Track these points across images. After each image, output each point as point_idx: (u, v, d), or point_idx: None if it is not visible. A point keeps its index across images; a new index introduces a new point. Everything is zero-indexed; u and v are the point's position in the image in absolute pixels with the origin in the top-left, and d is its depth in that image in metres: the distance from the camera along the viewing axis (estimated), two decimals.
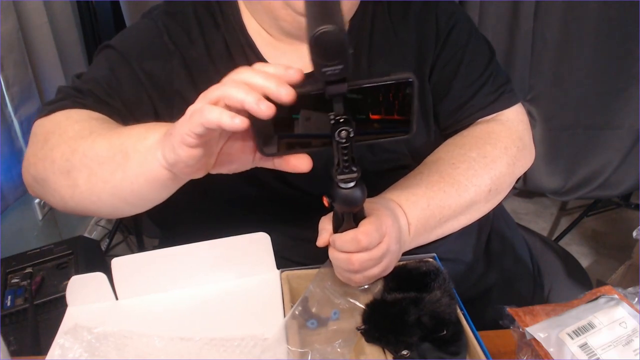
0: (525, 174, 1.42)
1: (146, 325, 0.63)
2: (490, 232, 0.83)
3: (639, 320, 0.53)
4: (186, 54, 0.74)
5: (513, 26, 1.70)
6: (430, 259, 0.67)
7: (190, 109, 0.50)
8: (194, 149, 0.50)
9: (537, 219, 2.11)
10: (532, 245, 0.94)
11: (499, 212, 0.84)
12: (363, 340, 0.59)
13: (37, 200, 1.63)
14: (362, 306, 0.61)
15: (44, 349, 0.71)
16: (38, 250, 1.17)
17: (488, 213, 0.75)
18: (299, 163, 0.53)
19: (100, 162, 0.59)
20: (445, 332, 0.55)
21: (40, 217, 1.65)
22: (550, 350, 0.52)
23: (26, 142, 1.49)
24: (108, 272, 0.66)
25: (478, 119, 0.78)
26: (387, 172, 0.75)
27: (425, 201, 0.66)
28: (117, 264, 0.66)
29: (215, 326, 0.63)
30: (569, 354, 0.51)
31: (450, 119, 0.79)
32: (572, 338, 0.52)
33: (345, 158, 0.50)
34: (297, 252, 0.73)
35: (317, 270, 0.65)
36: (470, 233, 0.78)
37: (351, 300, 0.62)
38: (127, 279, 0.67)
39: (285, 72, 0.48)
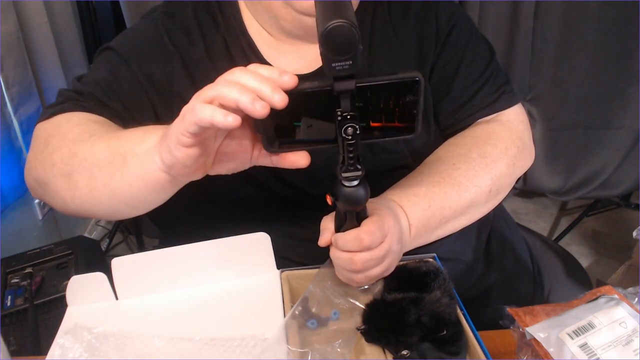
0: (525, 174, 1.42)
1: (146, 325, 0.63)
2: (490, 232, 0.83)
3: (639, 320, 0.53)
4: (186, 55, 0.74)
5: (513, 26, 1.70)
6: (430, 259, 0.67)
7: (184, 109, 0.50)
8: (190, 148, 0.50)
9: (537, 219, 2.11)
10: (532, 245, 0.94)
11: (499, 212, 0.84)
12: (363, 340, 0.59)
13: (37, 200, 1.63)
14: (362, 306, 0.61)
15: (44, 349, 0.71)
16: (38, 250, 1.17)
17: (488, 213, 0.75)
18: (298, 159, 0.53)
19: (100, 165, 0.60)
20: (445, 332, 0.55)
21: (40, 217, 1.64)
22: (550, 350, 0.52)
23: (26, 142, 1.49)
24: (108, 272, 0.66)
25: (478, 119, 0.78)
26: (387, 172, 0.75)
27: (426, 202, 0.67)
28: (117, 264, 0.66)
29: (215, 326, 0.63)
30: (569, 354, 0.51)
31: (450, 119, 0.79)
32: (572, 338, 0.52)
33: (351, 155, 0.50)
34: (297, 252, 0.73)
35: (317, 270, 0.65)
36: (470, 233, 0.78)
37: (351, 300, 0.62)
38: (127, 279, 0.67)
39: (279, 77, 0.47)
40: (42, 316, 1.01)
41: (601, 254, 1.91)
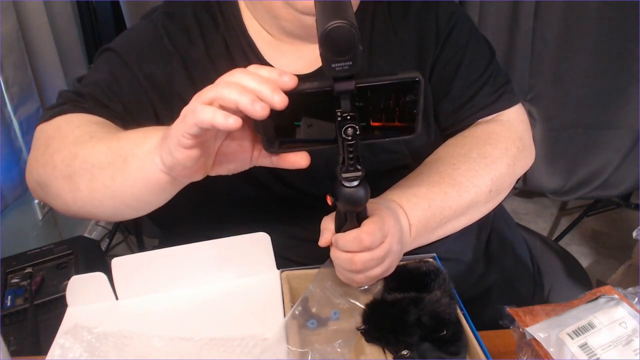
0: (525, 174, 1.42)
1: (146, 325, 0.63)
2: (491, 232, 0.83)
3: (639, 320, 0.53)
4: (186, 55, 0.74)
5: (513, 26, 1.70)
6: (430, 259, 0.67)
7: (185, 110, 0.50)
8: (190, 150, 0.50)
9: (537, 219, 2.11)
10: (532, 245, 0.94)
11: (499, 212, 0.84)
12: (363, 340, 0.59)
13: (37, 200, 1.63)
14: (362, 306, 0.61)
15: (44, 349, 0.71)
16: (38, 250, 1.17)
17: (488, 213, 0.75)
18: (298, 159, 0.53)
19: (101, 167, 0.60)
20: (445, 332, 0.55)
21: (40, 217, 1.64)
22: (550, 350, 0.52)
23: (25, 142, 1.49)
24: (108, 272, 0.66)
25: (478, 119, 0.78)
26: (387, 172, 0.75)
27: (426, 202, 0.67)
28: (117, 263, 0.66)
29: (215, 326, 0.63)
30: (569, 354, 0.51)
31: (450, 119, 0.79)
32: (572, 338, 0.52)
33: (351, 156, 0.50)
34: (297, 252, 0.73)
35: (317, 270, 0.65)
36: (471, 233, 0.78)
37: (351, 300, 0.62)
38: (127, 279, 0.67)
39: (279, 78, 0.47)
40: (42, 316, 1.00)
41: (601, 254, 1.91)
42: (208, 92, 0.48)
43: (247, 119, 0.49)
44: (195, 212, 0.78)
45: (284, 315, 0.62)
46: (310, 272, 0.66)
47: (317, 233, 0.61)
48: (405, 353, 0.55)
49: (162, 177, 0.56)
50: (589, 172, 1.86)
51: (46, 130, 0.69)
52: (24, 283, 1.06)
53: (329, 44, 0.43)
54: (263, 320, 0.62)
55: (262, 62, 0.74)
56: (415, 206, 0.66)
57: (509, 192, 0.77)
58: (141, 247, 1.81)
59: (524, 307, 0.57)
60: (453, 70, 0.77)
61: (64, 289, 0.66)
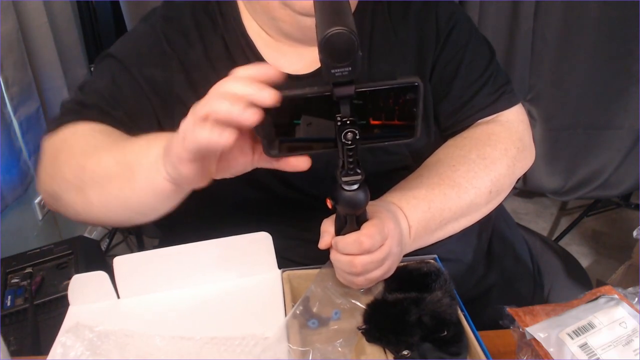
0: (525, 174, 1.42)
1: (147, 324, 0.63)
2: (492, 233, 0.83)
3: (639, 320, 0.53)
4: (184, 58, 0.74)
5: (513, 26, 1.70)
6: (432, 260, 0.67)
7: (183, 128, 0.50)
8: (193, 163, 0.51)
9: (537, 219, 2.11)
10: (532, 245, 0.94)
11: (499, 213, 0.84)
12: (364, 340, 0.59)
13: (36, 200, 1.63)
14: (363, 306, 0.61)
15: (44, 349, 0.71)
16: (38, 250, 1.17)
17: (489, 214, 0.75)
18: (299, 163, 0.53)
19: (109, 178, 0.61)
20: (446, 332, 0.56)
21: (40, 217, 1.65)
22: (550, 350, 0.52)
23: (25, 142, 1.50)
24: (108, 272, 0.66)
25: (478, 119, 0.78)
26: (388, 173, 0.75)
27: (425, 204, 0.67)
28: (119, 262, 0.66)
29: (216, 325, 0.63)
30: (569, 354, 0.51)
31: (450, 119, 0.79)
32: (572, 338, 0.52)
33: (351, 160, 0.50)
34: (298, 253, 0.73)
35: (318, 270, 0.65)
36: (472, 234, 0.78)
37: (352, 300, 0.62)
38: (129, 278, 0.67)
39: (263, 72, 0.48)
40: (42, 316, 1.01)
41: (601, 254, 1.91)
42: (202, 108, 0.49)
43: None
44: (196, 213, 0.78)
45: (285, 315, 0.62)
46: (312, 272, 0.66)
47: (317, 234, 0.61)
48: (406, 353, 0.55)
49: (168, 186, 0.57)
50: (589, 172, 1.86)
51: (53, 143, 0.70)
52: (24, 283, 1.06)
53: (329, 50, 0.43)
54: (264, 320, 0.62)
55: (261, 62, 0.74)
56: (415, 208, 0.66)
57: (509, 192, 0.77)
58: (141, 247, 1.81)
59: (524, 307, 0.57)
60: (453, 70, 0.77)
61: (64, 289, 0.66)
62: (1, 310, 1.00)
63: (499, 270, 0.82)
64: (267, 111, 0.48)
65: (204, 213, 0.78)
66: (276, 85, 0.49)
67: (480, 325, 0.59)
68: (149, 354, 0.59)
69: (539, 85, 1.78)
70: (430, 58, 0.77)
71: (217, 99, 0.47)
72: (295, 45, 0.75)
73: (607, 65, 1.68)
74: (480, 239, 0.80)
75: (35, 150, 1.56)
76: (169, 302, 0.67)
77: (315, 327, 0.60)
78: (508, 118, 0.78)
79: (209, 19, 0.76)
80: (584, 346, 0.51)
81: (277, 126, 0.50)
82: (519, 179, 0.79)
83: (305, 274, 0.67)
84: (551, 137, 1.84)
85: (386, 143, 0.52)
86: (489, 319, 0.59)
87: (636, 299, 0.56)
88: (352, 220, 0.57)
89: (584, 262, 1.87)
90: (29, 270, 1.10)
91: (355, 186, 0.53)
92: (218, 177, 0.57)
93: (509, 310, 0.57)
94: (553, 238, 1.97)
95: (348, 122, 0.48)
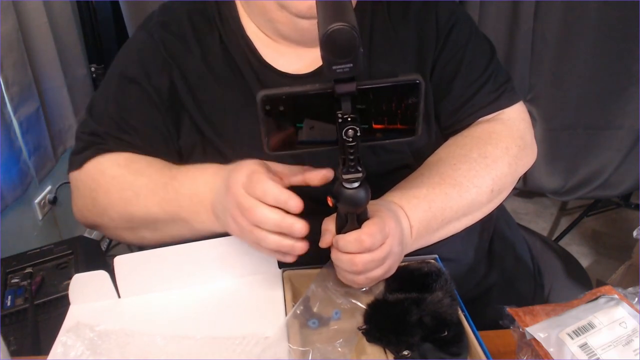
0: (525, 174, 1.42)
1: (148, 324, 0.63)
2: (493, 233, 0.83)
3: (639, 320, 0.53)
4: (183, 64, 0.75)
5: (513, 26, 1.70)
6: (432, 260, 0.67)
7: (241, 228, 0.58)
8: None
9: (537, 219, 2.11)
10: (532, 246, 0.94)
11: (500, 213, 0.84)
12: (364, 340, 0.59)
13: (36, 200, 1.63)
14: (364, 306, 0.61)
15: (44, 349, 0.71)
16: (38, 250, 1.16)
17: (491, 213, 0.75)
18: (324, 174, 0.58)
19: (163, 223, 0.69)
20: (446, 332, 0.55)
21: (40, 217, 1.65)
22: (550, 350, 0.52)
23: (25, 142, 1.50)
24: (108, 272, 0.67)
25: (479, 117, 0.78)
26: (389, 172, 0.75)
27: (426, 203, 0.67)
28: (120, 262, 0.66)
29: (216, 324, 0.63)
30: (569, 354, 0.51)
31: (451, 118, 0.79)
32: (572, 338, 0.52)
33: (352, 157, 0.50)
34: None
35: (319, 270, 0.65)
36: (473, 233, 0.78)
37: (353, 300, 0.62)
38: (130, 277, 0.67)
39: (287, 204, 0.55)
40: (42, 316, 1.00)
41: (601, 254, 1.91)
42: (249, 236, 0.58)
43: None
44: None
45: (286, 314, 0.62)
46: (312, 271, 0.66)
47: (318, 233, 0.61)
48: (406, 353, 0.55)
49: (219, 228, 0.64)
50: (589, 172, 1.86)
51: (83, 181, 0.75)
52: (24, 283, 1.05)
53: (330, 46, 0.44)
54: (264, 319, 0.62)
55: (261, 62, 0.74)
56: (416, 207, 0.66)
57: (510, 192, 0.77)
58: (141, 247, 1.80)
59: (524, 307, 0.57)
60: (453, 69, 0.77)
61: (64, 289, 0.66)
62: (1, 310, 1.00)
63: (499, 270, 0.82)
64: (270, 110, 0.49)
65: None
66: (274, 86, 0.49)
67: (480, 325, 0.59)
68: (150, 353, 0.59)
69: (539, 85, 1.78)
70: (431, 57, 0.77)
71: (261, 239, 0.57)
72: (294, 47, 0.75)
73: (607, 65, 1.68)
74: (481, 238, 0.80)
75: (35, 150, 1.56)
76: (169, 302, 0.67)
77: (316, 327, 0.60)
78: (509, 116, 0.78)
79: (205, 21, 0.76)
80: (584, 346, 0.51)
81: (280, 124, 0.50)
82: (519, 179, 0.79)
83: (306, 274, 0.67)
84: (551, 137, 1.84)
85: (387, 141, 0.53)
86: (489, 319, 0.59)
87: (636, 299, 0.56)
88: (352, 219, 0.57)
89: (584, 262, 1.87)
90: (29, 270, 1.10)
91: (356, 184, 0.53)
92: None
93: (509, 310, 0.57)
94: (553, 238, 1.97)
95: (349, 119, 0.48)
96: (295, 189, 0.75)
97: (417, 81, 0.48)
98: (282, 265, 0.69)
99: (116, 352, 0.59)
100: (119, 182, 0.71)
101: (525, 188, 2.01)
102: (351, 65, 0.45)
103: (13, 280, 1.07)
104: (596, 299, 0.57)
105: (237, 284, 0.68)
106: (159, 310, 0.66)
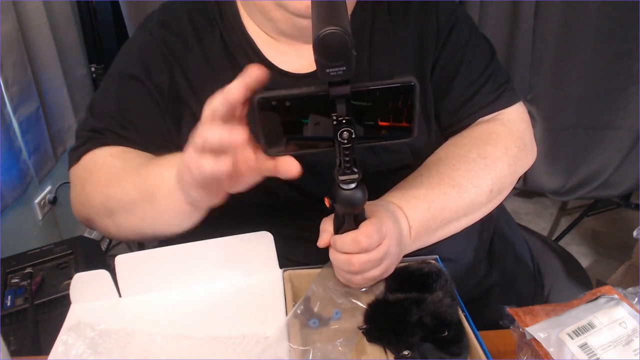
0: (525, 174, 1.43)
1: (149, 323, 0.63)
2: (493, 233, 0.83)
3: (639, 320, 0.53)
4: (184, 62, 0.75)
5: (513, 26, 1.70)
6: (433, 260, 0.67)
7: (186, 159, 0.53)
8: (204, 188, 0.55)
9: (537, 219, 2.11)
10: (532, 245, 0.94)
11: (500, 213, 0.84)
12: (364, 339, 0.59)
13: (37, 200, 1.63)
14: (364, 306, 0.61)
15: (44, 349, 0.71)
16: (38, 250, 1.16)
17: (491, 213, 0.75)
18: (290, 168, 0.53)
19: (133, 204, 0.67)
20: (446, 332, 0.55)
21: (40, 217, 1.65)
22: (550, 350, 0.52)
23: (25, 142, 1.50)
24: (109, 271, 0.67)
25: (479, 118, 0.78)
26: (389, 172, 0.75)
27: (425, 204, 0.67)
28: (120, 261, 0.66)
29: (217, 324, 0.63)
30: (569, 354, 0.51)
31: (451, 118, 0.79)
32: (572, 338, 0.52)
33: (347, 159, 0.50)
34: (298, 252, 0.73)
35: (319, 270, 0.65)
36: (473, 233, 0.78)
37: (353, 300, 0.62)
38: (130, 277, 0.67)
39: (252, 78, 0.49)
40: (42, 316, 1.00)
41: (601, 254, 1.91)
42: (197, 139, 0.51)
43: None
44: None
45: (286, 314, 0.62)
46: (313, 271, 0.66)
47: (318, 233, 0.61)
48: (406, 353, 0.55)
49: (187, 207, 0.62)
50: (589, 172, 1.86)
51: (78, 173, 0.76)
52: (24, 283, 1.05)
53: (323, 50, 0.44)
54: (265, 319, 0.62)
55: (263, 60, 0.75)
56: (415, 208, 0.66)
57: (510, 192, 0.77)
58: (141, 247, 1.81)
59: (524, 307, 0.57)
60: (453, 69, 0.77)
61: (64, 289, 0.67)
62: (1, 310, 1.00)
63: (499, 270, 0.82)
64: (265, 112, 0.49)
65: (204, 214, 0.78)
66: (274, 86, 0.49)
67: (480, 325, 0.59)
68: (150, 352, 0.59)
69: (539, 85, 1.78)
70: (431, 57, 0.77)
71: (207, 129, 0.50)
72: (294, 44, 0.75)
73: (607, 65, 1.68)
74: (481, 238, 0.80)
75: (35, 150, 1.56)
76: (170, 301, 0.67)
77: (316, 327, 0.60)
78: (509, 116, 0.78)
79: (206, 20, 0.76)
80: (584, 346, 0.51)
81: (275, 126, 0.50)
82: (519, 179, 0.79)
83: (306, 274, 0.67)
84: (551, 137, 1.84)
85: (383, 143, 0.53)
86: (489, 319, 0.59)
87: (636, 299, 0.56)
88: (350, 219, 0.57)
89: (584, 262, 1.87)
90: (29, 270, 1.10)
91: (353, 185, 0.53)
92: (232, 192, 0.59)
93: (509, 310, 0.57)
94: (553, 238, 1.97)
95: (344, 121, 0.48)
96: (296, 188, 0.75)
97: (412, 83, 0.48)
98: (282, 265, 0.69)
99: (117, 351, 0.59)
100: (107, 167, 0.72)
101: (525, 188, 2.01)
102: (344, 68, 0.45)
103: (13, 280, 1.07)
104: (596, 299, 0.57)
105: (238, 283, 0.68)
106: (159, 309, 0.66)
